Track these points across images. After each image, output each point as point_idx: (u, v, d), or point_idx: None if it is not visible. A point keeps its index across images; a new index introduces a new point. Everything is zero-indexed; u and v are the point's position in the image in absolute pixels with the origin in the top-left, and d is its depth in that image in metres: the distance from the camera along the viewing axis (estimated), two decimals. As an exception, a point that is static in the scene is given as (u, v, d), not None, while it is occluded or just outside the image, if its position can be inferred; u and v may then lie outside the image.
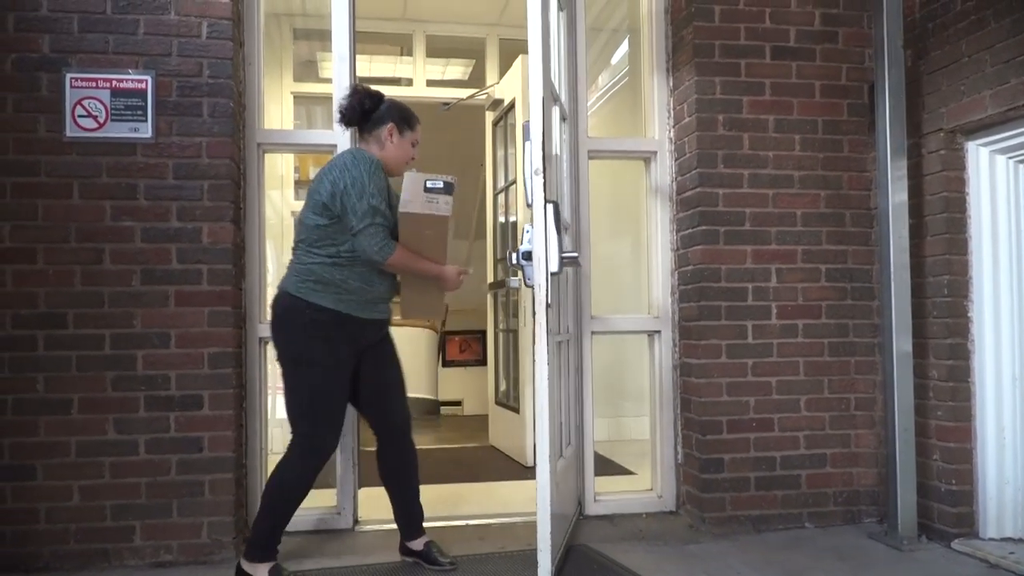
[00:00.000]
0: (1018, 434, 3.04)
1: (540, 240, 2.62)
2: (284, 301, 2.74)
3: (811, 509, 3.39)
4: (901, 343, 3.13)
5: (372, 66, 6.35)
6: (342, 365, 2.78)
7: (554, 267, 2.63)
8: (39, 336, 2.95)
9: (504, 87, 4.79)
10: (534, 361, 2.63)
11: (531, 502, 3.34)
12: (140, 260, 3.01)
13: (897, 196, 3.14)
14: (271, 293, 2.98)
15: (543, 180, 2.61)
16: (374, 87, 2.97)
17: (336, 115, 2.98)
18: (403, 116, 2.91)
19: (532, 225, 2.66)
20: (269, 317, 2.85)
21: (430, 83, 5.26)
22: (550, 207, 2.63)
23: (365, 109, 2.88)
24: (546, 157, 2.64)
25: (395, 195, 2.83)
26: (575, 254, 2.86)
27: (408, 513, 2.98)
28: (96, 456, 2.97)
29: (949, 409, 3.09)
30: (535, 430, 2.64)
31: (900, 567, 2.88)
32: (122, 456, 2.98)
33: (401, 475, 2.97)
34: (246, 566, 2.73)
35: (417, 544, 2.97)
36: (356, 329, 2.77)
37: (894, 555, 3.01)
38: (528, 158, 2.67)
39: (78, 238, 2.98)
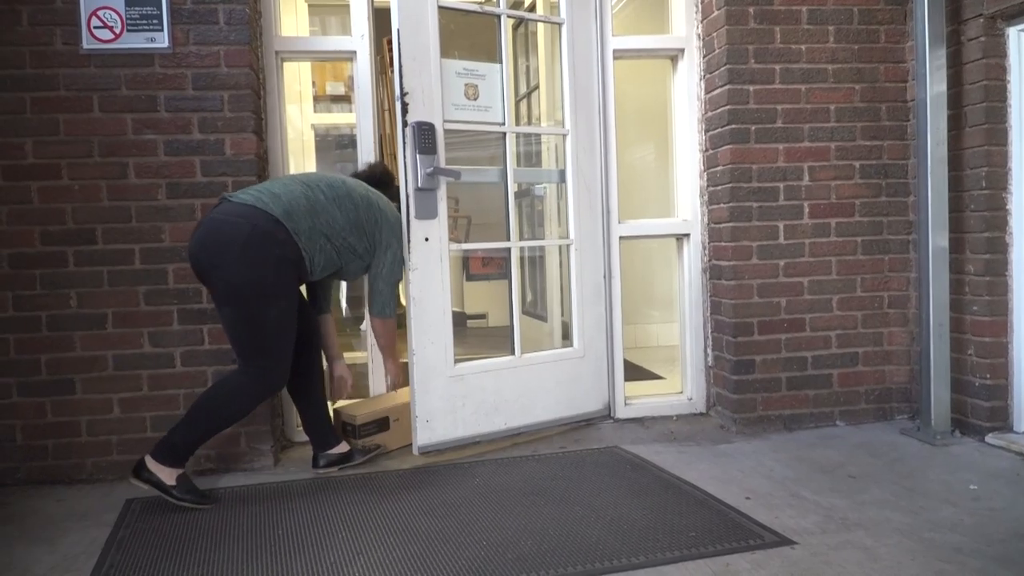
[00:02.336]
0: (1056, 327, 3.00)
1: (402, 161, 2.97)
2: (260, 219, 2.59)
3: (843, 407, 3.39)
4: (937, 238, 3.08)
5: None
6: (297, 300, 2.78)
7: (419, 184, 2.98)
8: (69, 252, 2.96)
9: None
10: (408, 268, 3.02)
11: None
12: (164, 174, 2.99)
13: (936, 86, 3.04)
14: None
15: (402, 104, 2.95)
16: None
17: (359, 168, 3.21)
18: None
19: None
20: (214, 226, 2.63)
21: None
22: (408, 130, 2.96)
23: (383, 182, 3.10)
24: (403, 76, 2.94)
25: None
26: (451, 169, 3.06)
27: (319, 424, 3.02)
28: (133, 369, 3.00)
29: (985, 303, 3.05)
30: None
31: (934, 461, 2.89)
32: (159, 368, 3.02)
33: (309, 385, 2.98)
34: (152, 465, 2.63)
35: (344, 445, 3.05)
36: (304, 273, 2.75)
37: (927, 450, 3.02)
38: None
39: (101, 152, 2.96)
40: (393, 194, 3.06)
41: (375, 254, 2.88)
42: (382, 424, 3.25)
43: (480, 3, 3.81)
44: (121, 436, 3.01)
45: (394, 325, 2.98)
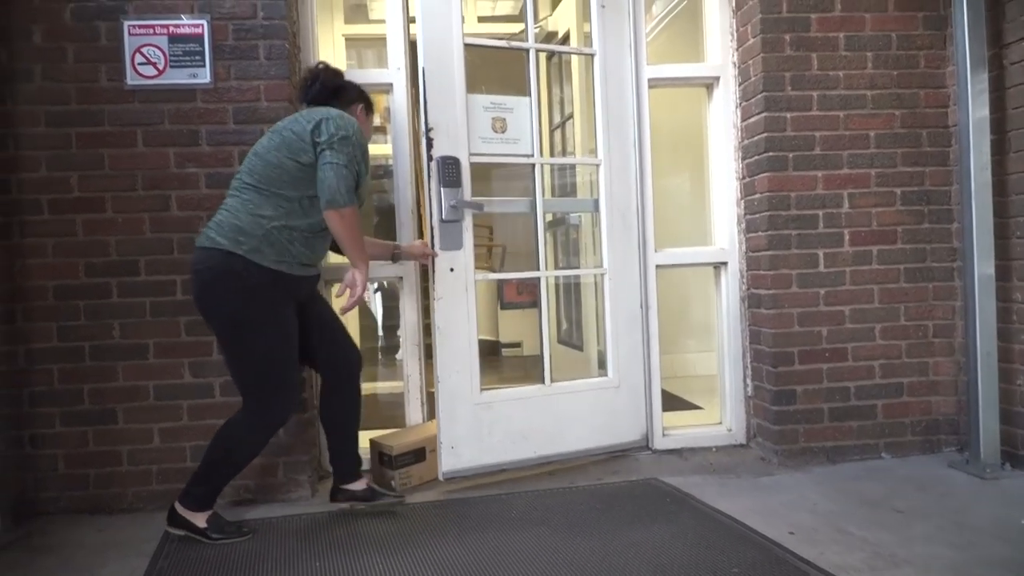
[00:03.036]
0: (1109, 356, 2.91)
1: (428, 193, 3.07)
2: (215, 260, 2.56)
3: (888, 439, 3.31)
4: (983, 265, 3.01)
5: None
6: (288, 324, 2.67)
7: (444, 216, 3.06)
8: (113, 283, 3.01)
9: (557, 18, 4.67)
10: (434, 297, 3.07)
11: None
12: (205, 206, 3.03)
13: (978, 111, 3.00)
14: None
15: (427, 140, 3.05)
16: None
17: (300, 94, 2.91)
18: (368, 100, 2.96)
19: None
20: (191, 275, 2.64)
21: (481, 19, 5.17)
22: (433, 164, 3.05)
23: (336, 86, 2.87)
24: (427, 112, 3.05)
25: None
26: (474, 201, 3.13)
27: (348, 455, 2.92)
28: (174, 399, 3.03)
29: (1034, 332, 2.97)
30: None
31: (983, 495, 2.81)
32: (199, 399, 3.04)
33: (347, 420, 2.90)
34: (182, 511, 2.66)
35: (359, 484, 2.91)
36: (293, 285, 2.67)
37: (976, 483, 2.93)
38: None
39: (144, 186, 3.01)
40: (350, 97, 2.89)
41: (317, 151, 2.60)
42: (419, 455, 3.24)
43: (508, 37, 3.84)
44: (161, 466, 3.03)
45: (352, 216, 2.61)
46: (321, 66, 2.89)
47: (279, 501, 3.06)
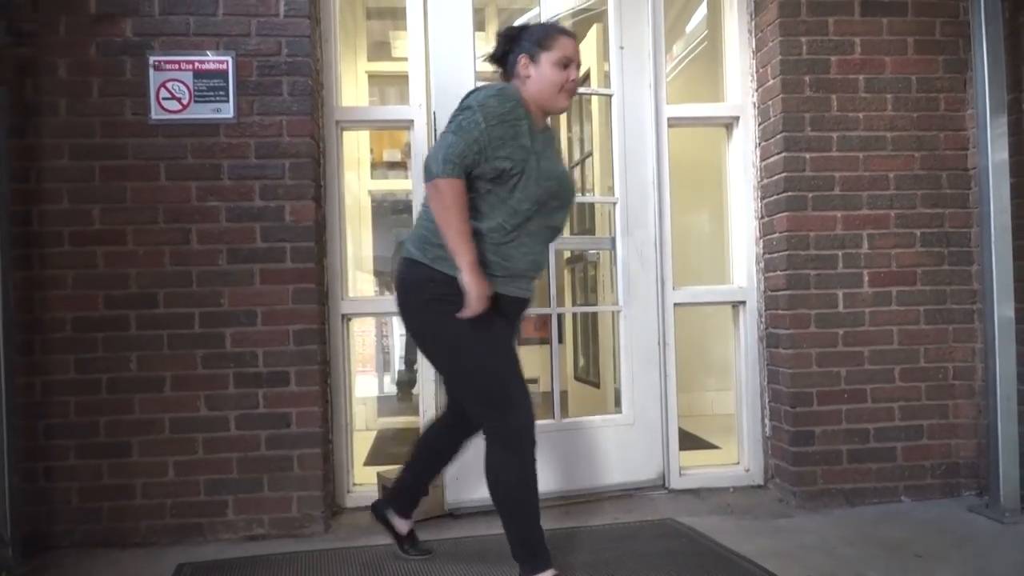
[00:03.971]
0: None
1: None
2: (403, 270, 2.36)
3: (907, 482, 3.27)
4: (1003, 308, 2.99)
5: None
6: (494, 334, 2.32)
7: None
8: (131, 316, 3.01)
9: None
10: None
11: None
12: (226, 240, 3.04)
13: (997, 154, 3.00)
14: (351, 271, 2.98)
15: None
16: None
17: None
18: (535, 39, 2.38)
19: None
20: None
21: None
22: None
23: (501, 54, 2.45)
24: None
25: (545, 143, 2.41)
26: None
27: (419, 489, 2.78)
28: (189, 432, 3.02)
29: (1057, 377, 2.94)
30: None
31: (1004, 540, 2.77)
32: (214, 432, 3.03)
33: (443, 457, 2.72)
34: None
35: (405, 525, 2.77)
36: (492, 298, 2.30)
37: (996, 528, 2.89)
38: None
39: (166, 219, 3.03)
40: (509, 59, 2.43)
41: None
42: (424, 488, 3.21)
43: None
44: (175, 499, 3.01)
45: (450, 194, 2.19)
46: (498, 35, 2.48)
47: (292, 536, 3.03)
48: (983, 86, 3.00)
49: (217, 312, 3.04)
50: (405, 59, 3.45)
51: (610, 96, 3.39)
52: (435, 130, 3.12)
